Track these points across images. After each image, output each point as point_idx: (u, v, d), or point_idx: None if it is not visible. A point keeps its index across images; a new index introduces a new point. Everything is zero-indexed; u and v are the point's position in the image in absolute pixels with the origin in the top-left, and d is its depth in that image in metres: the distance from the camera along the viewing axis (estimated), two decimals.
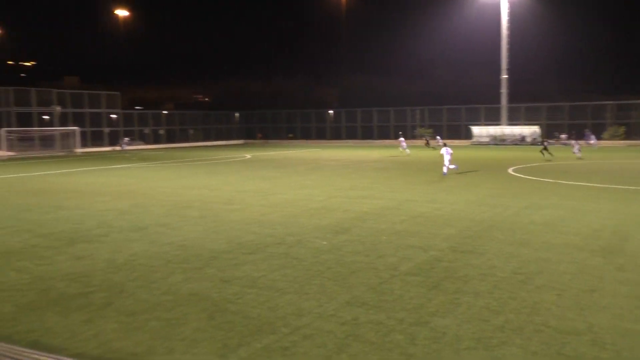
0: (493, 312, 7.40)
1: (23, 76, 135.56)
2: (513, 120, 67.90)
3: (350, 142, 76.84)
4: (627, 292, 8.22)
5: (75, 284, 9.01)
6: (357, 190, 21.10)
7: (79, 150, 57.12)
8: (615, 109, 65.61)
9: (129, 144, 63.81)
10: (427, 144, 55.02)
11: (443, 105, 73.91)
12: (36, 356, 3.14)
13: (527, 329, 6.80)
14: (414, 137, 73.54)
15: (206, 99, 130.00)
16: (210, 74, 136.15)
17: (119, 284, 8.94)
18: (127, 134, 69.04)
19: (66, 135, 58.66)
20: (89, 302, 8.08)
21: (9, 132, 52.87)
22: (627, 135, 62.35)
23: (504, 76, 65.29)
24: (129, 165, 37.25)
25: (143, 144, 70.11)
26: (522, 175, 26.16)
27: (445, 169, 26.65)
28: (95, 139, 63.81)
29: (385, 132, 76.59)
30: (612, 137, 61.66)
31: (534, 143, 60.05)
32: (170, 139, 75.48)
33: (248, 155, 47.59)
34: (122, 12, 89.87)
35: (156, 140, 73.40)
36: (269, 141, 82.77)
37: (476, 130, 68.24)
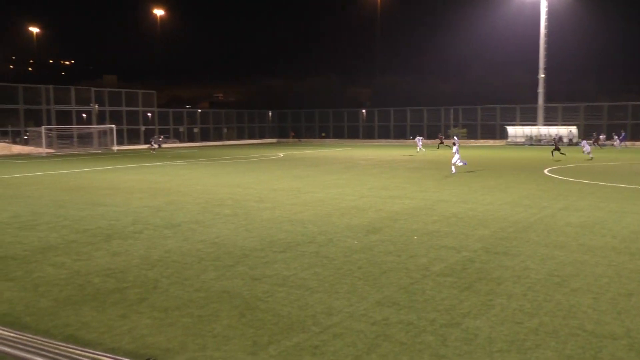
0: (527, 315, 7.28)
1: (63, 75, 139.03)
2: (549, 121, 66.64)
3: (383, 141, 76.54)
4: None
5: (111, 279, 9.20)
6: (389, 189, 21.00)
7: (116, 147, 58.28)
8: None
9: (163, 142, 64.90)
10: (442, 143, 54.55)
11: (477, 105, 73.00)
12: (72, 350, 3.20)
13: (562, 333, 6.67)
14: (447, 137, 72.86)
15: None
16: (244, 73, 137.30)
17: (153, 280, 9.09)
18: (161, 132, 70.20)
19: (103, 133, 59.93)
20: (124, 297, 8.23)
21: (48, 129, 54.24)
22: None
23: (541, 75, 64.15)
24: (164, 163, 37.83)
25: (177, 142, 71.12)
26: (559, 176, 25.65)
27: (453, 168, 27.41)
28: (132, 137, 64.98)
29: (419, 132, 75.97)
30: None
31: (570, 144, 58.97)
32: (204, 138, 76.40)
33: (281, 154, 47.82)
34: (159, 12, 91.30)
35: (190, 139, 74.37)
36: (302, 140, 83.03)
37: (511, 130, 67.20)
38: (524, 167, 31.64)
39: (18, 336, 3.47)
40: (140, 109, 67.72)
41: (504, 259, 10.24)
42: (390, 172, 28.62)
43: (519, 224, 13.61)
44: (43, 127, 53.32)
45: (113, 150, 57.63)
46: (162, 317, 7.37)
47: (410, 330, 6.80)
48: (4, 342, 3.24)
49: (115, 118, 63.70)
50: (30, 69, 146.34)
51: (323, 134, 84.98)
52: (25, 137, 57.62)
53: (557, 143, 39.48)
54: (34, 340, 3.32)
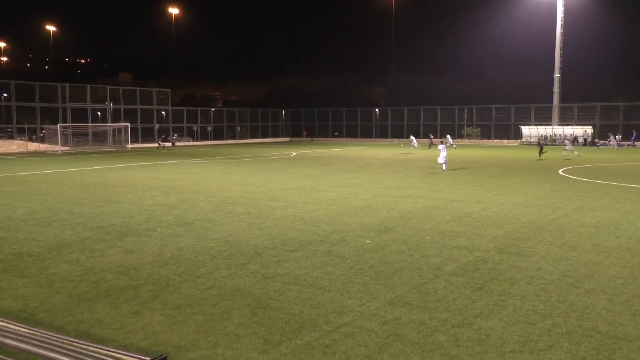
0: (540, 315, 7.23)
1: (79, 73, 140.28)
2: (565, 120, 66.06)
3: (397, 140, 76.34)
4: None
5: (124, 276, 9.27)
6: (402, 189, 20.94)
7: (130, 145, 58.67)
8: None
9: (177, 140, 65.26)
10: (432, 143, 55.38)
11: (492, 105, 72.55)
12: (86, 347, 3.23)
13: (575, 334, 6.62)
14: (461, 137, 72.52)
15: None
16: (258, 71, 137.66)
17: (165, 278, 9.15)
18: (175, 130, 70.58)
19: (118, 131, 60.39)
20: (137, 294, 8.29)
21: (64, 127, 54.75)
22: None
23: (557, 75, 63.59)
24: (178, 161, 38.03)
25: (190, 141, 71.45)
26: (573, 177, 25.43)
27: (444, 166, 28.29)
28: (146, 135, 65.40)
29: (433, 131, 75.71)
30: None
31: (587, 143, 58.57)
32: (217, 136, 76.68)
33: (294, 153, 47.87)
34: (174, 11, 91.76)
35: (204, 137, 74.70)
36: (315, 139, 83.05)
37: (526, 130, 66.71)
38: (538, 167, 31.41)
39: (33, 332, 3.51)
40: (154, 107, 68.12)
41: (517, 259, 10.18)
42: (403, 172, 28.54)
43: (533, 225, 13.51)
44: (59, 124, 53.83)
45: (127, 148, 58.02)
46: (174, 314, 7.42)
47: (422, 330, 6.78)
48: (19, 338, 3.28)
49: (129, 116, 64.16)
50: (46, 67, 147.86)
51: (336, 133, 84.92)
52: (42, 134, 58.22)
53: (541, 144, 40.27)
54: (49, 337, 3.36)
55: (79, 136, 58.43)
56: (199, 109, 77.69)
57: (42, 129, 58.15)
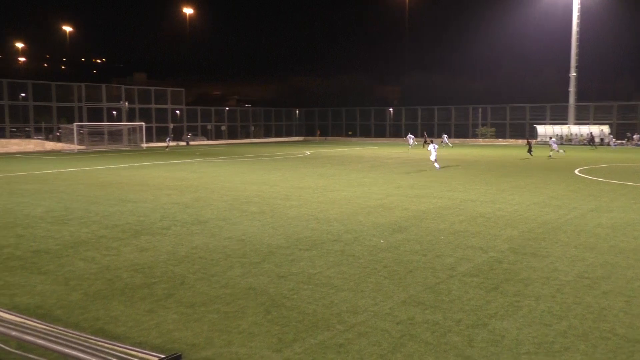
0: (556, 317, 7.17)
1: (95, 73, 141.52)
2: (581, 120, 65.42)
3: (411, 139, 76.05)
4: None
5: (139, 274, 9.33)
6: (415, 188, 20.87)
7: (145, 145, 59.05)
8: None
9: (191, 139, 65.57)
10: (426, 142, 55.41)
11: (506, 104, 72.05)
12: (102, 343, 3.26)
13: (592, 336, 6.55)
14: (475, 136, 72.12)
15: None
16: (272, 70, 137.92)
17: (180, 276, 9.20)
18: (189, 129, 70.95)
19: (133, 130, 60.82)
20: (151, 292, 8.35)
21: (80, 126, 55.26)
22: None
23: (573, 74, 62.97)
24: (192, 160, 38.22)
25: (205, 140, 71.77)
26: (589, 177, 25.18)
27: (436, 164, 29.31)
28: (160, 134, 65.80)
29: (447, 130, 75.38)
30: None
31: (601, 144, 58.04)
32: (231, 135, 76.94)
33: (307, 152, 47.90)
34: (188, 11, 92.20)
35: (218, 136, 74.98)
36: (328, 138, 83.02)
37: (541, 129, 66.14)
38: (553, 167, 31.14)
39: (50, 328, 3.55)
40: (169, 106, 68.54)
41: (532, 260, 10.10)
42: (417, 171, 28.44)
43: (548, 225, 13.40)
44: (75, 124, 54.35)
45: (142, 147, 58.42)
46: (188, 312, 7.45)
47: (436, 330, 6.75)
48: (37, 334, 3.32)
49: (144, 115, 64.60)
50: (63, 67, 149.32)
51: (350, 132, 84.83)
52: (58, 133, 58.81)
53: (530, 143, 41.04)
54: (65, 333, 3.40)
55: (95, 135, 58.96)
56: (212, 108, 77.99)
57: (58, 128, 58.74)
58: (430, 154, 29.38)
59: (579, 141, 60.84)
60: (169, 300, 7.96)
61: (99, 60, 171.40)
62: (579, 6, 61.52)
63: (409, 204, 16.86)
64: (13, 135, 56.59)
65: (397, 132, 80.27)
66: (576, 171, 28.00)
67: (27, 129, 57.75)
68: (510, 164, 33.68)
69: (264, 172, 28.61)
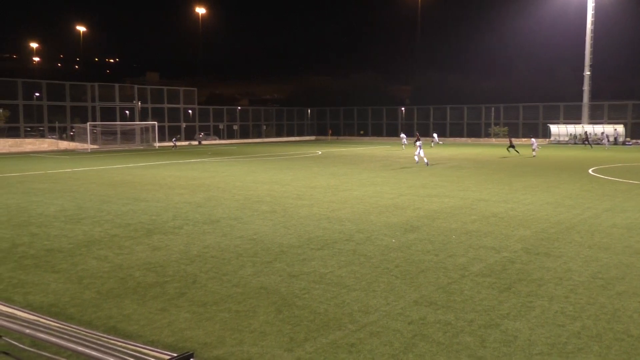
0: (569, 318, 7.11)
1: (108, 72, 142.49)
2: (595, 119, 64.84)
3: (423, 139, 75.81)
4: None
5: (151, 273, 9.38)
6: (427, 188, 20.80)
7: (157, 144, 59.38)
8: None
9: (203, 139, 65.83)
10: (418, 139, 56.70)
11: (519, 103, 71.60)
12: (114, 342, 3.28)
13: (606, 337, 6.49)
14: (488, 136, 71.74)
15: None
16: (284, 70, 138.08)
17: (192, 275, 9.23)
18: (201, 129, 71.25)
19: (145, 130, 61.17)
20: (163, 291, 8.38)
21: (93, 126, 55.68)
22: None
23: (587, 72, 62.42)
24: (204, 159, 38.37)
25: (217, 139, 72.03)
26: (604, 176, 24.96)
27: (417, 159, 31.97)
28: (173, 134, 66.21)
29: (459, 130, 75.09)
30: None
31: (616, 143, 57.59)
32: (243, 135, 77.16)
33: (319, 152, 47.91)
34: (201, 10, 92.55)
35: (230, 136, 75.22)
36: (340, 138, 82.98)
37: (554, 128, 65.65)
38: (567, 166, 30.90)
39: (63, 326, 3.57)
40: (181, 106, 68.87)
41: (545, 260, 10.02)
42: (429, 170, 28.36)
43: (562, 225, 13.30)
44: (88, 123, 54.76)
45: (154, 146, 58.73)
46: (200, 311, 7.48)
47: (448, 330, 6.72)
48: (51, 332, 3.34)
49: (157, 115, 64.95)
50: (77, 67, 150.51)
51: (362, 132, 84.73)
52: (72, 133, 59.30)
53: (511, 140, 42.74)
54: (78, 331, 3.42)
55: (108, 135, 59.39)
56: (225, 107, 78.28)
57: (72, 127, 59.23)
58: (416, 151, 32.20)
59: (592, 140, 60.28)
60: (181, 299, 7.99)
61: (112, 60, 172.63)
62: (594, 4, 60.94)
63: (421, 204, 16.81)
64: (28, 134, 57.15)
65: (410, 132, 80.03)
66: (590, 171, 27.76)
67: (41, 128, 58.28)
68: (523, 163, 33.46)
69: (276, 171, 28.65)
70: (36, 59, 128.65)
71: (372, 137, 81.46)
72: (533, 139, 42.14)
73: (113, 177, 25.83)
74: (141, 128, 61.59)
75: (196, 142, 67.34)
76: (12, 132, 55.96)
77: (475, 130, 73.64)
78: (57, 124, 58.55)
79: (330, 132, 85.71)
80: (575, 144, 60.68)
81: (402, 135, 56.06)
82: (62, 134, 59.30)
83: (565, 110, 68.00)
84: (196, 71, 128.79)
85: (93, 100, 60.11)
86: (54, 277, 9.20)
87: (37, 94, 58.31)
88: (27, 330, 3.32)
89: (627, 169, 29.09)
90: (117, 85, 63.50)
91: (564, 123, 66.20)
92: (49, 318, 4.16)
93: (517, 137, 70.01)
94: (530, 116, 70.36)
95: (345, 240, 11.73)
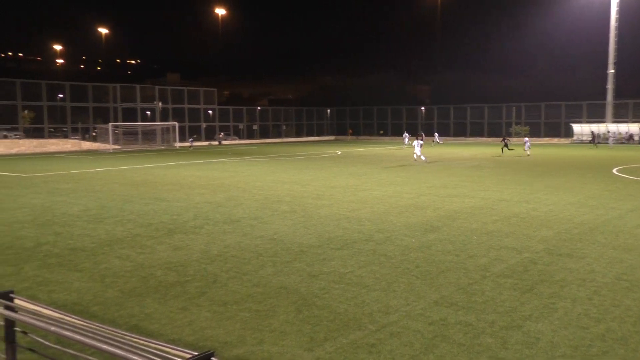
0: (593, 320, 7.01)
1: (129, 73, 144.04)
2: (619, 118, 63.83)
3: (442, 139, 75.40)
4: None
5: (172, 272, 9.46)
6: (448, 188, 20.67)
7: (177, 144, 59.85)
8: None
9: (223, 139, 66.13)
10: (432, 141, 61.05)
11: (541, 102, 70.78)
12: (137, 340, 3.31)
13: (631, 340, 6.38)
14: (509, 135, 71.08)
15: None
16: (304, 70, 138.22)
17: (212, 275, 9.29)
18: (221, 129, 71.65)
19: (166, 130, 61.72)
20: (184, 290, 8.45)
21: (115, 126, 56.32)
22: None
23: (611, 70, 61.49)
24: (224, 159, 38.58)
25: (237, 139, 72.37)
26: (628, 176, 24.56)
27: (415, 157, 33.61)
28: (193, 134, 66.67)
29: (479, 130, 74.50)
30: None
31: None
32: (263, 135, 77.42)
33: (339, 152, 47.88)
34: (220, 11, 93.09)
35: (250, 136, 75.54)
36: (360, 137, 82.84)
37: (577, 128, 64.78)
38: (590, 166, 30.47)
39: (87, 324, 3.62)
40: (201, 106, 69.35)
41: (568, 261, 9.90)
42: (449, 170, 28.17)
43: (585, 225, 13.12)
44: (110, 124, 55.40)
45: (175, 146, 59.21)
46: (221, 310, 7.52)
47: (469, 331, 6.67)
48: (75, 330, 3.39)
49: (177, 115, 65.47)
50: (99, 68, 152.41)
51: (381, 132, 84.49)
52: (94, 133, 60.05)
53: (506, 139, 43.01)
54: (102, 329, 3.46)
55: (129, 135, 60.03)
56: (244, 107, 78.63)
57: (94, 128, 59.98)
58: (415, 149, 33.73)
59: (617, 140, 59.34)
60: (201, 298, 8.05)
61: (133, 62, 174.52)
62: (618, 0, 59.97)
63: (441, 204, 16.70)
64: (51, 135, 57.99)
65: (430, 132, 79.60)
66: (614, 170, 27.34)
67: (64, 129, 59.12)
68: (545, 163, 33.09)
69: (296, 171, 28.70)
70: (60, 60, 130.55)
71: (391, 137, 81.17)
72: (526, 138, 43.08)
73: (135, 177, 26.09)
74: (162, 128, 62.14)
75: (216, 142, 67.72)
76: (36, 133, 56.85)
77: (497, 130, 72.95)
78: (80, 125, 59.35)
79: (350, 132, 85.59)
80: (593, 143, 59.76)
81: (405, 134, 57.50)
82: (85, 135, 60.08)
83: (588, 109, 67.06)
84: (217, 72, 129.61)
85: (115, 101, 60.80)
86: (77, 276, 9.32)
87: (60, 95, 59.17)
88: (52, 328, 3.37)
89: None
90: (138, 86, 64.17)
91: (587, 122, 65.28)
92: (72, 316, 4.20)
93: (539, 136, 69.38)
94: (553, 115, 69.54)
95: (365, 240, 11.71)
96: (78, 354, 4.18)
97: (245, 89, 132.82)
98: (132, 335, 3.57)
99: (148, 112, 65.46)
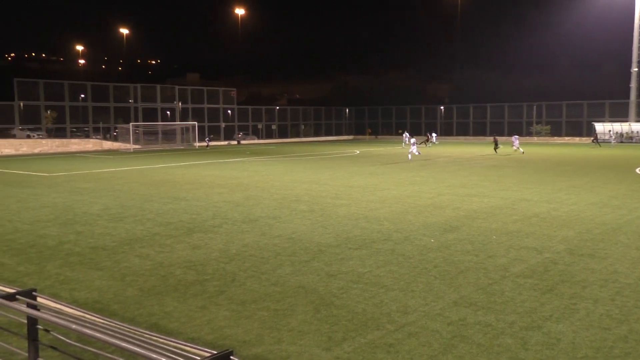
0: (615, 321, 6.91)
1: (150, 74, 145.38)
2: None
3: (462, 138, 74.90)
4: None
5: (191, 271, 9.53)
6: (467, 187, 20.53)
7: (197, 144, 60.25)
8: None
9: (242, 138, 66.42)
10: (428, 140, 59.98)
11: (562, 101, 69.92)
12: (156, 338, 3.35)
13: None
14: (529, 134, 70.35)
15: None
16: (322, 69, 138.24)
17: (231, 274, 9.33)
18: (240, 129, 71.98)
19: (186, 130, 62.14)
20: (203, 289, 8.50)
21: (135, 126, 56.88)
22: None
23: (635, 69, 60.52)
24: (243, 159, 38.76)
25: (255, 139, 72.64)
26: None
27: (410, 156, 35.58)
28: (213, 134, 67.01)
29: (499, 129, 73.83)
30: None
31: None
32: (282, 134, 77.60)
33: (357, 151, 47.81)
34: (240, 11, 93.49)
35: (269, 135, 75.76)
36: (378, 137, 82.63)
37: (599, 127, 63.87)
38: (612, 166, 30.04)
39: (107, 323, 3.66)
40: (220, 106, 69.69)
41: (589, 261, 9.77)
42: (468, 170, 27.98)
43: (607, 226, 12.94)
44: (131, 124, 55.95)
45: (194, 146, 59.60)
46: (239, 309, 7.56)
47: (488, 332, 6.62)
48: (96, 328, 3.43)
49: (197, 115, 65.90)
50: (120, 68, 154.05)
51: (400, 131, 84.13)
52: (115, 133, 60.71)
53: (496, 140, 43.14)
54: (122, 328, 3.50)
55: (149, 135, 60.56)
56: (263, 107, 78.84)
57: (115, 128, 60.63)
58: (411, 147, 36.37)
59: (637, 140, 58.40)
60: (220, 297, 8.09)
61: (153, 62, 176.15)
62: None
63: (460, 203, 16.59)
64: (73, 135, 58.73)
65: (449, 131, 79.15)
66: (637, 170, 26.92)
67: (86, 129, 59.83)
68: (566, 162, 32.70)
69: (314, 170, 28.72)
70: (81, 61, 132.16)
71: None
72: (515, 136, 43.12)
73: (154, 177, 26.32)
74: (182, 128, 62.58)
75: (235, 142, 68.03)
76: (59, 133, 57.63)
77: (517, 129, 72.12)
78: (101, 125, 60.03)
79: (369, 131, 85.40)
80: (621, 142, 58.83)
81: (406, 134, 57.47)
82: (106, 134, 60.75)
83: (610, 108, 66.10)
84: (236, 71, 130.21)
85: (135, 101, 61.39)
86: (98, 275, 9.44)
87: (82, 96, 59.90)
88: (74, 326, 3.41)
89: None
90: (158, 86, 64.69)
91: (610, 121, 64.34)
92: (93, 314, 4.26)
93: (560, 135, 68.59)
94: (574, 114, 68.66)
95: (383, 240, 11.68)
96: (99, 352, 4.23)
97: (264, 89, 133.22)
98: (152, 333, 3.61)
99: (168, 112, 65.96)
